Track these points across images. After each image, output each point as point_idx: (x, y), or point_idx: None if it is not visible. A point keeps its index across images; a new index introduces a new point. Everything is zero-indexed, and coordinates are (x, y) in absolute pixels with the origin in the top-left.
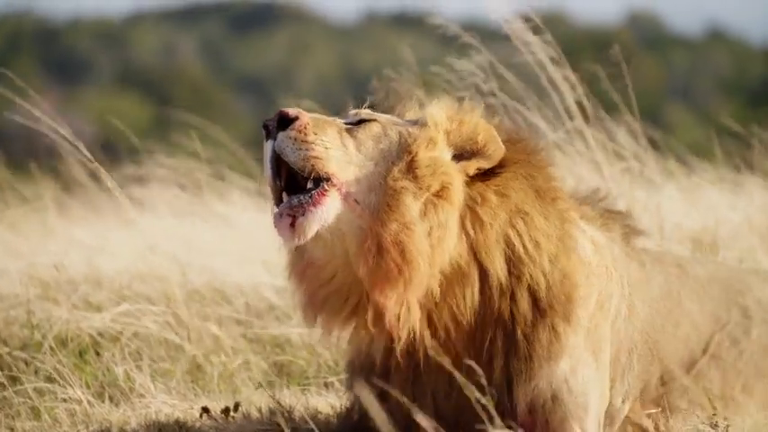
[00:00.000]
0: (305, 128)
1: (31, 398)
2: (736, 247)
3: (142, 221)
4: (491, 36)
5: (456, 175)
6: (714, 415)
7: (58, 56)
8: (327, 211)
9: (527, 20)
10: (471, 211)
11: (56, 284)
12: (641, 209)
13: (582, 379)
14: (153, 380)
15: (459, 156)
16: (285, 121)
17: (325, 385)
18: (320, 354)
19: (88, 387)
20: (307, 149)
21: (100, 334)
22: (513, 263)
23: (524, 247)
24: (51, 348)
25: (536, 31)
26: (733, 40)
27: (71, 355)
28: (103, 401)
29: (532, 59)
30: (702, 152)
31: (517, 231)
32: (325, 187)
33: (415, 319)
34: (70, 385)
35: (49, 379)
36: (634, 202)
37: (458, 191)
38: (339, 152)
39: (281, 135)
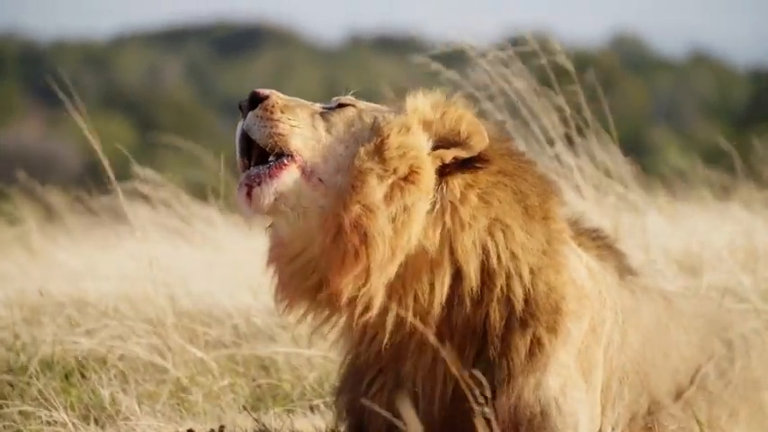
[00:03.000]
0: (273, 106)
1: (16, 421)
2: (720, 270)
3: (126, 245)
4: (474, 61)
5: (426, 160)
6: None
7: (43, 78)
8: (283, 184)
9: (511, 45)
10: (452, 206)
11: (41, 307)
12: (626, 232)
13: (571, 399)
14: (138, 402)
15: (442, 146)
16: (257, 101)
17: (311, 408)
18: (305, 376)
19: (74, 410)
20: (271, 126)
21: (85, 357)
22: (487, 273)
23: (498, 257)
24: (37, 371)
25: (521, 57)
26: (716, 63)
27: (57, 378)
28: (89, 424)
29: (510, 88)
30: (686, 175)
31: (494, 241)
32: (285, 161)
33: (376, 302)
34: (55, 408)
35: (35, 402)
36: (618, 225)
37: (427, 176)
38: (306, 131)
39: (250, 114)
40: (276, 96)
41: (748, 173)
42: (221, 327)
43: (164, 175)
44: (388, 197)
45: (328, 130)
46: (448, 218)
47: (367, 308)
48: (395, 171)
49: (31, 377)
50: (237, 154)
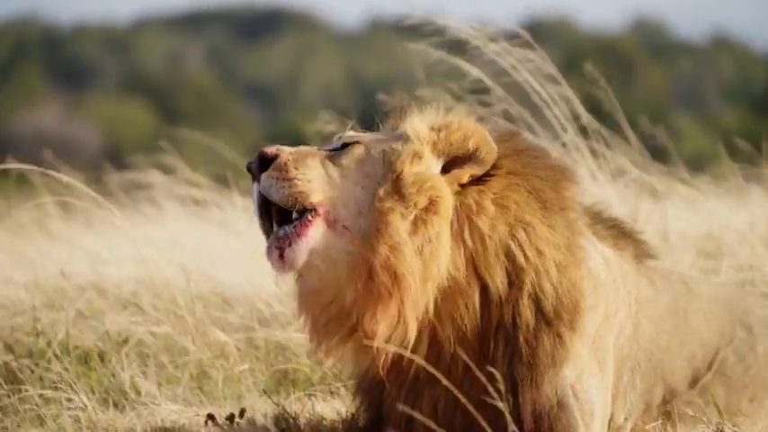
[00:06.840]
0: (285, 165)
1: (36, 405)
2: (741, 255)
3: (146, 228)
4: (488, 46)
5: (444, 188)
6: (720, 423)
7: (64, 62)
8: (312, 239)
9: (531, 29)
10: (469, 221)
11: (61, 291)
12: (645, 217)
13: (587, 386)
14: (158, 386)
15: (452, 163)
16: (266, 162)
17: (331, 392)
18: (325, 360)
19: (93, 394)
20: (290, 186)
21: (104, 341)
22: (514, 273)
23: (525, 256)
24: (56, 355)
25: (536, 41)
26: (738, 47)
27: (76, 362)
28: (108, 408)
29: (530, 76)
30: (707, 159)
31: (518, 242)
32: (309, 217)
33: (411, 336)
34: (75, 392)
35: (54, 386)
36: (638, 210)
37: (447, 203)
38: (323, 182)
39: (263, 176)
40: (285, 153)
41: None
42: (240, 311)
43: (184, 159)
44: (413, 232)
45: (343, 175)
46: (467, 235)
47: (401, 344)
48: (415, 205)
49: (50, 361)
50: (256, 216)
